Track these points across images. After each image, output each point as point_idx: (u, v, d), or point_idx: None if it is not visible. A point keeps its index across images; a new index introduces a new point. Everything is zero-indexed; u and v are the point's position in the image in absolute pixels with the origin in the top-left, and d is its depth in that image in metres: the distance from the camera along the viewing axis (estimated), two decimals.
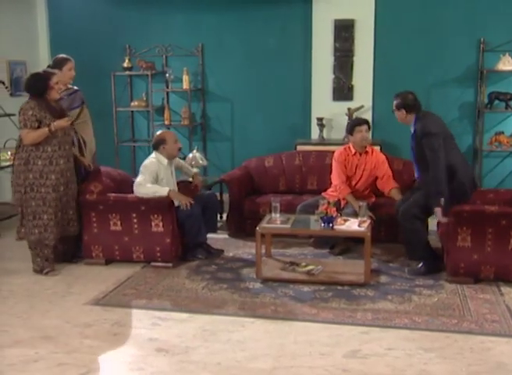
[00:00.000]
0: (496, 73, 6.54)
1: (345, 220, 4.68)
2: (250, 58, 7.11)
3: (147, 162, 5.07)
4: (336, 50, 6.79)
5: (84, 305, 4.21)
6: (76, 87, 5.13)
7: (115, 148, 7.27)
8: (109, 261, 5.05)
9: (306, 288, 4.46)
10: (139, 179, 4.94)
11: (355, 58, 6.80)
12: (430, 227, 5.36)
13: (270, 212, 4.89)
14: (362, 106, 6.71)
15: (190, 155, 6.36)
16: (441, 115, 6.70)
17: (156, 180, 4.98)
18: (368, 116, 6.65)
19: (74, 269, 4.98)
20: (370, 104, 6.82)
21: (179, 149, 5.20)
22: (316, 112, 6.84)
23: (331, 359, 3.39)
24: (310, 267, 4.76)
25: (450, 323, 3.82)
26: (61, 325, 3.89)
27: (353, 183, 5.45)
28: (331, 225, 4.54)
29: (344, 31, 6.72)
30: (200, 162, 6.32)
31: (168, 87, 7.18)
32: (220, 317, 3.97)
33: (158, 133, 5.25)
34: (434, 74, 6.74)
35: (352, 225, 4.61)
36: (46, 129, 4.56)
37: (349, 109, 6.69)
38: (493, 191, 5.25)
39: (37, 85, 4.61)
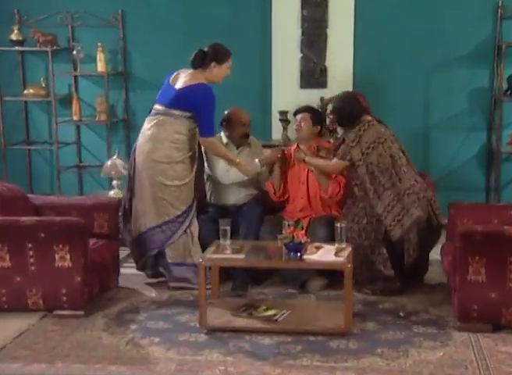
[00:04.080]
0: None
1: (317, 248, 4.70)
2: (190, 31, 7.07)
3: None
4: (303, 20, 6.85)
5: None
6: None
7: (1, 151, 7.16)
8: None
9: (267, 340, 4.46)
10: None
11: (330, 31, 6.87)
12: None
13: (218, 237, 4.88)
14: None
15: (109, 163, 6.31)
16: (446, 105, 6.89)
17: None
18: None
19: None
20: None
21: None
22: (278, 105, 6.89)
23: None
24: (272, 311, 4.75)
25: None
26: None
27: (302, 189, 5.64)
28: (299, 254, 4.55)
29: None
30: (123, 171, 6.28)
31: (76, 70, 7.15)
32: None
33: None
34: (435, 52, 6.85)
35: (327, 254, 4.62)
36: None
37: (322, 100, 6.74)
38: None
39: None
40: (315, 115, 5.71)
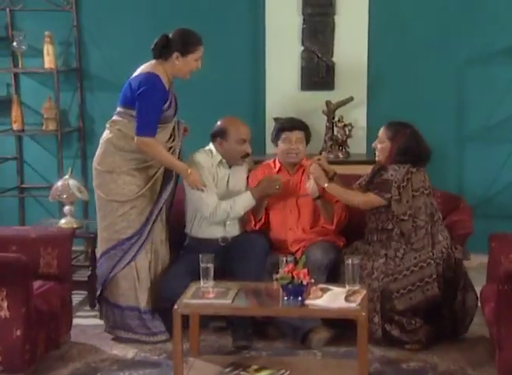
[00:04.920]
0: None
1: (323, 290, 4.69)
2: (161, 18, 7.10)
3: None
4: (306, 4, 6.91)
5: None
6: None
7: None
8: None
9: None
10: None
11: (338, 18, 6.92)
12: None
13: (198, 277, 4.85)
14: (351, 99, 6.78)
15: (59, 184, 6.30)
16: (486, 110, 6.91)
17: None
18: (360, 114, 6.76)
19: None
20: (364, 95, 6.94)
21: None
22: (273, 110, 6.90)
23: None
24: (266, 372, 4.71)
25: None
26: None
27: (290, 219, 5.68)
28: (300, 299, 4.53)
29: None
30: (78, 194, 6.29)
31: (17, 65, 7.17)
32: None
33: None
34: (473, 42, 6.91)
35: (335, 298, 4.60)
36: None
37: (328, 104, 6.76)
38: None
39: None
40: (308, 131, 5.77)
